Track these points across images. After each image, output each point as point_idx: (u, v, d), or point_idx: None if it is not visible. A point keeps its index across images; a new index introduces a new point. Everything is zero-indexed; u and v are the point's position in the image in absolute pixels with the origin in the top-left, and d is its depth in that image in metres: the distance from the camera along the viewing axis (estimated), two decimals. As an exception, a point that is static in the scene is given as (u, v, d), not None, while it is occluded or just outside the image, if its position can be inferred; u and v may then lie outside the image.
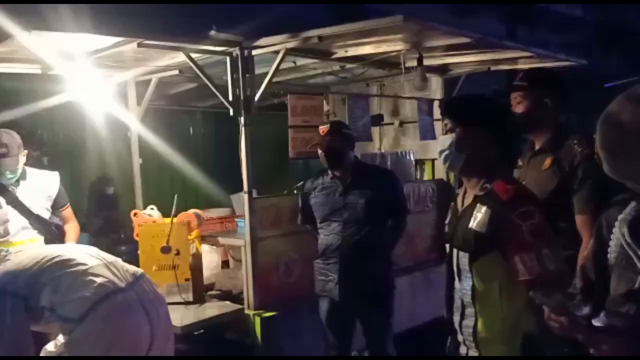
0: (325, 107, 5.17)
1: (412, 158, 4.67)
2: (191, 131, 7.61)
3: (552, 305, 1.28)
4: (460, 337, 1.86)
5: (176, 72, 3.77)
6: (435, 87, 4.81)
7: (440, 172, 4.94)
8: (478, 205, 1.77)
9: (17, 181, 3.18)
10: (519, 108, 2.39)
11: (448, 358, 1.95)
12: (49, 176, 3.32)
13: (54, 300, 2.28)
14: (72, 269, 2.34)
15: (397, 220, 3.29)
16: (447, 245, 1.93)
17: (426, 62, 3.75)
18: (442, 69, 4.63)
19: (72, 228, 3.37)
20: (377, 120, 5.17)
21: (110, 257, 2.53)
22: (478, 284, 1.78)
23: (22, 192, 3.19)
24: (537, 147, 2.43)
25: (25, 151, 3.19)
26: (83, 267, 2.35)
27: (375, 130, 5.10)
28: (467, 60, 4.24)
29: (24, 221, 3.16)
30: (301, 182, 3.86)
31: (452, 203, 2.01)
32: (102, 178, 5.82)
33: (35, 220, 3.17)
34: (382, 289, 3.19)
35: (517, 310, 1.72)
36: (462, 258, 1.81)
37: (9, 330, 2.25)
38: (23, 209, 3.15)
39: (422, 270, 4.44)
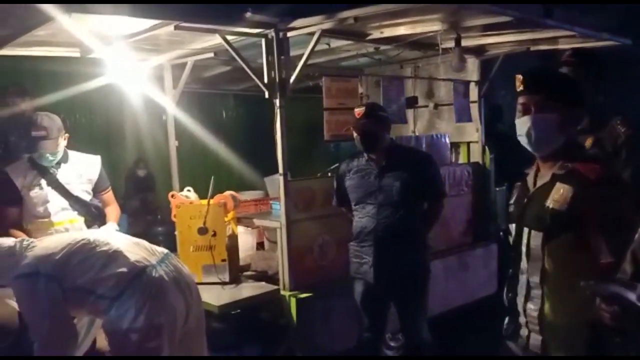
0: (359, 90, 5.13)
1: (447, 141, 4.61)
2: (224, 114, 7.67)
3: (605, 294, 1.25)
4: (522, 319, 1.83)
5: (211, 55, 3.78)
6: (472, 69, 4.71)
7: (476, 156, 4.87)
8: (558, 184, 1.73)
9: (58, 163, 3.26)
10: None
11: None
12: (91, 160, 3.40)
13: (90, 280, 2.34)
14: (104, 248, 2.40)
15: (433, 203, 3.26)
16: (513, 225, 1.89)
17: (463, 42, 3.67)
18: (478, 50, 4.53)
19: (113, 211, 3.44)
20: (412, 102, 5.10)
21: (134, 238, 2.60)
22: (549, 266, 1.74)
23: (63, 174, 3.27)
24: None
25: (67, 134, 3.27)
26: (114, 247, 2.41)
27: (409, 113, 5.04)
28: (505, 41, 4.13)
29: (64, 202, 3.25)
30: (335, 165, 3.86)
31: (518, 183, 1.96)
32: (138, 160, 5.94)
33: (75, 201, 3.26)
34: (416, 273, 3.17)
35: (588, 295, 1.68)
36: (534, 238, 1.77)
37: (47, 308, 2.32)
38: (63, 190, 3.24)
39: (457, 254, 4.41)
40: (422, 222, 3.21)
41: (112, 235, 2.56)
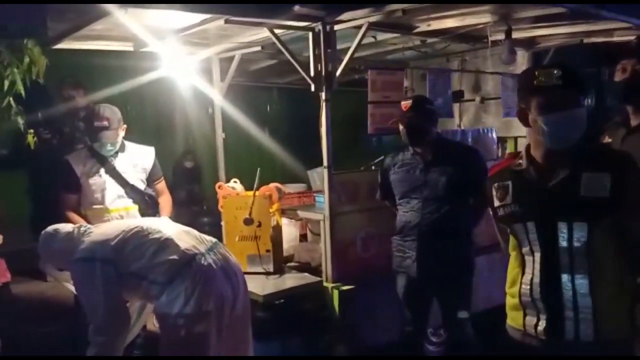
0: (404, 83, 5.09)
1: (494, 135, 4.53)
2: (268, 107, 7.77)
3: None
4: (570, 314, 1.79)
5: (258, 48, 3.83)
6: (521, 62, 4.60)
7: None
8: (587, 173, 1.74)
9: (116, 153, 3.38)
10: (621, 76, 2.26)
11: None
12: (145, 150, 3.51)
13: (142, 266, 2.43)
14: (156, 236, 2.48)
15: (479, 199, 3.21)
16: (519, 225, 1.87)
17: (514, 34, 3.59)
18: (529, 42, 4.42)
19: (166, 200, 3.55)
20: (458, 96, 5.04)
21: (184, 227, 2.66)
22: (594, 253, 1.74)
23: (120, 164, 3.39)
24: (634, 123, 2.29)
25: (125, 125, 3.38)
26: (166, 235, 2.49)
27: (455, 107, 4.98)
28: (557, 33, 4.02)
29: (120, 190, 3.37)
30: (379, 158, 3.85)
31: (495, 184, 1.95)
32: (186, 152, 6.08)
33: (130, 189, 3.38)
34: (461, 268, 3.14)
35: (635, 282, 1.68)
36: (577, 230, 1.75)
37: (102, 292, 2.42)
38: (119, 178, 3.37)
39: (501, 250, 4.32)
40: (467, 218, 3.17)
41: (163, 224, 2.63)
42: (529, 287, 1.88)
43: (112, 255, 2.43)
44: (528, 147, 1.89)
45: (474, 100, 5.16)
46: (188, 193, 5.97)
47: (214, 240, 2.65)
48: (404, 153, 3.18)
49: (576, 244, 1.75)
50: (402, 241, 3.17)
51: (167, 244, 2.44)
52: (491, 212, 2.03)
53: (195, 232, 2.64)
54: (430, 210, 3.07)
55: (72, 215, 3.27)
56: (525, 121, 1.85)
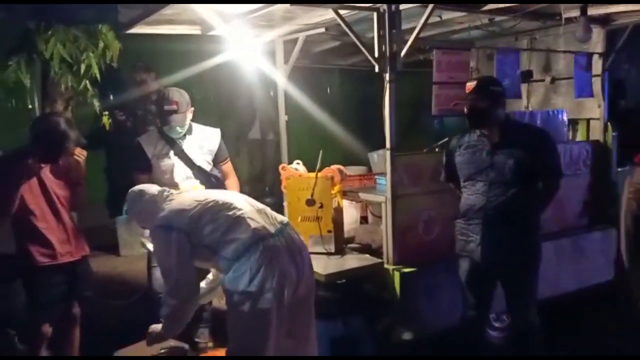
0: (470, 63, 4.95)
1: (564, 117, 4.34)
2: (329, 89, 7.77)
3: None
4: None
5: (322, 30, 3.83)
6: (596, 40, 4.37)
7: (596, 133, 4.55)
8: None
9: (184, 135, 3.49)
10: None
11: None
12: (211, 132, 3.61)
13: (214, 240, 2.51)
14: (229, 212, 2.54)
15: (549, 183, 3.10)
16: None
17: (589, 11, 3.42)
18: (605, 19, 4.19)
19: (232, 181, 3.65)
20: (526, 76, 4.84)
21: (260, 205, 2.71)
22: None
23: (188, 145, 3.50)
24: None
25: (192, 108, 3.48)
26: (239, 212, 2.54)
27: (523, 88, 4.79)
28: (635, 9, 3.78)
29: (188, 171, 3.49)
30: (443, 140, 3.79)
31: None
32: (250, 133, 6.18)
33: (197, 170, 3.49)
34: (527, 254, 3.06)
35: None
36: None
37: (176, 259, 2.52)
38: (187, 160, 3.48)
39: (571, 237, 4.18)
40: (535, 202, 3.08)
41: (239, 200, 2.66)
42: None
43: (188, 226, 2.52)
44: None
45: (543, 80, 4.95)
46: (250, 174, 6.09)
47: (286, 220, 2.69)
48: (470, 135, 3.12)
49: None
50: (466, 225, 3.12)
51: (238, 221, 2.50)
52: None
53: (268, 210, 2.68)
54: (496, 193, 3.00)
55: None
56: None
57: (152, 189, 2.83)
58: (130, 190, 2.86)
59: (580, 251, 4.21)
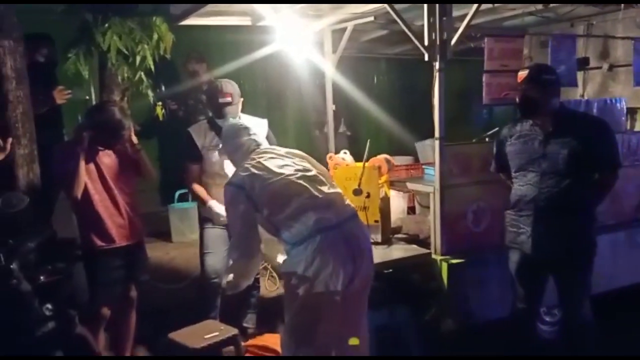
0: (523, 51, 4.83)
1: (623, 106, 4.17)
2: (375, 79, 7.73)
3: None
4: None
5: (371, 18, 3.81)
6: (659, 25, 4.19)
7: (657, 123, 4.37)
8: None
9: None
10: None
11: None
12: (259, 122, 3.66)
13: (278, 220, 2.54)
14: (298, 196, 2.53)
15: (605, 174, 2.99)
16: None
17: (652, -6, 3.27)
18: (669, 3, 4.00)
19: None
20: (582, 63, 4.69)
21: (333, 192, 2.65)
22: None
23: None
24: None
25: (241, 99, 3.54)
26: (309, 200, 2.53)
27: (579, 75, 4.64)
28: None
29: None
30: (494, 130, 3.72)
31: None
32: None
33: None
34: (581, 246, 2.98)
35: None
36: None
37: (240, 219, 2.57)
38: None
39: (628, 230, 4.03)
40: (590, 194, 2.98)
41: (313, 184, 2.60)
42: None
43: (257, 197, 2.54)
44: None
45: (600, 68, 4.78)
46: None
47: (352, 213, 2.66)
48: (522, 124, 3.05)
49: None
50: (517, 216, 3.06)
51: (304, 208, 2.50)
52: None
53: (339, 199, 2.65)
54: (548, 184, 2.93)
55: (196, 187, 3.50)
56: None
57: (249, 133, 2.82)
58: (232, 124, 2.92)
59: (637, 245, 4.06)
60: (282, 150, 2.79)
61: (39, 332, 2.72)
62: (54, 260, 3.26)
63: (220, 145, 3.46)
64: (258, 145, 2.80)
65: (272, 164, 2.63)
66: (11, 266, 2.70)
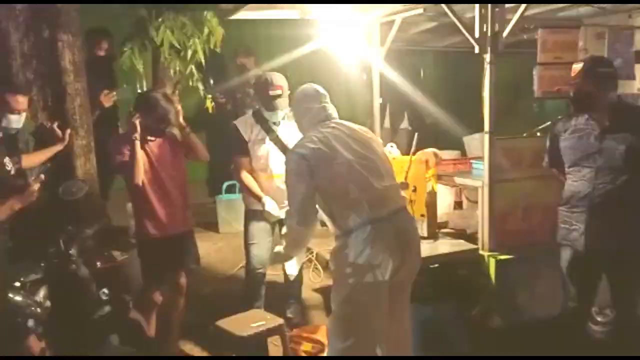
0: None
1: (686, 100, 4.00)
2: (422, 72, 7.63)
3: None
4: None
5: (420, 10, 3.77)
6: None
7: None
8: None
9: (279, 121, 3.52)
10: None
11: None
12: None
13: (334, 206, 2.52)
14: (357, 188, 2.49)
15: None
16: None
17: None
18: None
19: None
20: (641, 56, 4.50)
21: (389, 183, 2.62)
22: None
23: (283, 131, 3.53)
24: None
25: (289, 92, 3.56)
26: (363, 193, 2.49)
27: (637, 68, 4.46)
28: None
29: (282, 157, 3.53)
30: (546, 124, 3.64)
31: None
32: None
33: None
34: (636, 245, 2.88)
35: None
36: None
37: (299, 186, 2.52)
38: (282, 145, 3.51)
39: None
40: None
41: (372, 174, 2.55)
42: None
43: (318, 175, 2.49)
44: None
45: (661, 60, 4.57)
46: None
47: (402, 205, 2.65)
48: (577, 118, 2.96)
49: None
50: (570, 212, 2.98)
51: (361, 197, 2.48)
52: None
53: (394, 191, 2.64)
54: (604, 180, 2.84)
55: (246, 176, 3.53)
56: None
57: (323, 101, 2.71)
58: (305, 87, 2.79)
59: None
60: (351, 127, 2.67)
61: (96, 315, 2.84)
62: (109, 248, 3.41)
63: (267, 139, 3.51)
64: (328, 116, 2.69)
65: (340, 143, 2.55)
66: (70, 252, 2.84)
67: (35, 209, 2.80)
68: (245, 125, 3.56)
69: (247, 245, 3.64)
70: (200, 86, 4.01)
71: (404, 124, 6.17)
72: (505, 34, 3.14)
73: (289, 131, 3.50)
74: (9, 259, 2.82)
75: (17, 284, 2.65)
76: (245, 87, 5.18)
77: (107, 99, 4.22)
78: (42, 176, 2.61)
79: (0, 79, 3.39)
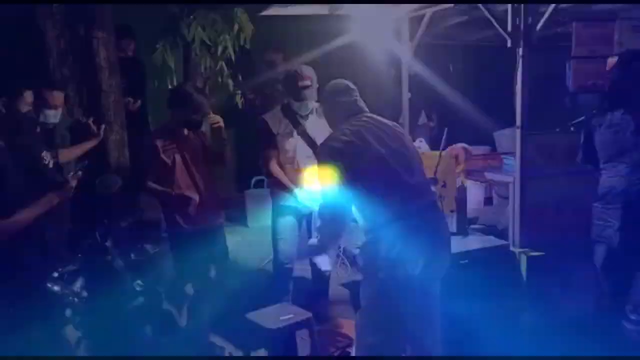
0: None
1: None
2: (451, 67, 7.56)
3: None
4: None
5: (451, 5, 3.74)
6: None
7: None
8: None
9: (307, 115, 3.51)
10: None
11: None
12: None
13: (365, 198, 2.49)
14: (391, 180, 2.48)
15: None
16: None
17: None
18: None
19: None
20: (680, 48, 4.37)
21: (421, 179, 2.60)
22: None
23: (310, 125, 3.53)
24: None
25: (317, 86, 3.56)
26: (400, 185, 2.48)
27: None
28: None
29: (309, 151, 3.50)
30: (580, 119, 3.57)
31: None
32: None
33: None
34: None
35: None
36: None
37: (337, 180, 2.46)
38: (309, 139, 3.50)
39: None
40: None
41: (404, 169, 2.51)
42: None
43: (349, 175, 2.46)
44: None
45: (700, 53, 4.43)
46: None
47: (431, 200, 2.63)
48: (613, 113, 2.90)
49: None
50: (605, 209, 2.94)
51: (393, 192, 2.46)
52: None
53: (425, 186, 2.63)
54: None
55: (276, 167, 3.55)
56: None
57: (350, 97, 2.66)
58: (335, 81, 2.74)
59: None
60: (383, 121, 2.64)
61: (130, 306, 2.91)
62: (143, 240, 3.48)
63: (294, 133, 3.53)
64: (359, 109, 2.65)
65: (372, 137, 2.51)
66: (106, 244, 2.91)
67: (72, 203, 2.87)
68: (274, 118, 3.57)
69: (274, 240, 3.66)
70: (230, 82, 4.04)
71: (422, 119, 6.14)
72: (538, 27, 3.09)
73: (317, 126, 3.50)
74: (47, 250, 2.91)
75: (56, 274, 2.73)
76: (274, 83, 5.20)
77: (133, 107, 4.29)
78: (80, 173, 2.68)
79: (37, 75, 3.48)
